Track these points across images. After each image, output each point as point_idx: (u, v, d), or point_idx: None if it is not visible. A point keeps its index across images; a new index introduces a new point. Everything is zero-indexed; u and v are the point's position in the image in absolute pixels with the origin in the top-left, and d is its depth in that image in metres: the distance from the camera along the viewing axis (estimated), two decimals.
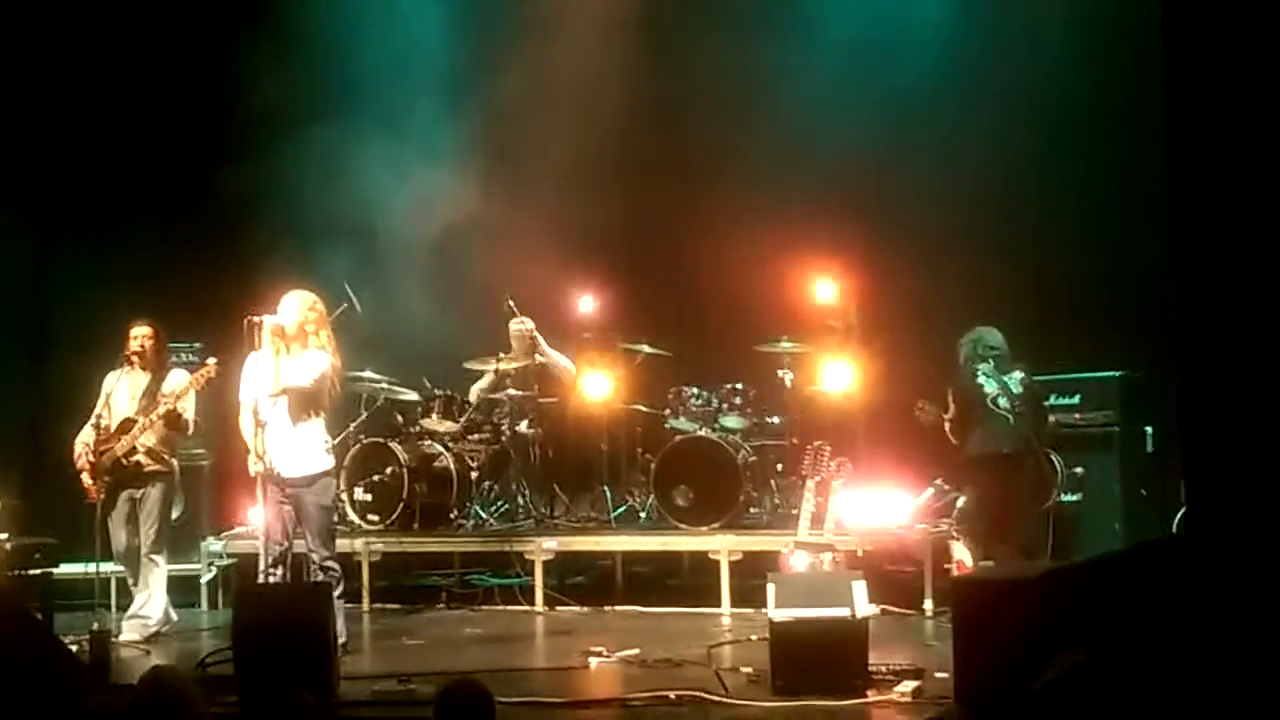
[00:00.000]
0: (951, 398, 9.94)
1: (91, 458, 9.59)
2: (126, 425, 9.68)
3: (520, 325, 11.97)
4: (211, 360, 9.66)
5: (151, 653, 9.35)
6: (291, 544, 8.87)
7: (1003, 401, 9.75)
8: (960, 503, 9.87)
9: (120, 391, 9.78)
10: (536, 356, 11.94)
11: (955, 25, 11.74)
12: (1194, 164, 5.58)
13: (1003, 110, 11.60)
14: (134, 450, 9.68)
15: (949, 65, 11.60)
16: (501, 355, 11.92)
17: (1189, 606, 5.64)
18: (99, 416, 9.63)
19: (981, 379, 9.80)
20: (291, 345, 8.92)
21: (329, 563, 8.94)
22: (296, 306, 8.99)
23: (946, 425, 9.97)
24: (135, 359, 9.78)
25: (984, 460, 9.78)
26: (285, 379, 8.81)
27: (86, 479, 9.62)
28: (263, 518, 8.86)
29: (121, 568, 9.97)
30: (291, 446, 8.86)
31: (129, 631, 9.66)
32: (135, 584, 9.90)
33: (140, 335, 9.84)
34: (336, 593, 8.79)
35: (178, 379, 9.87)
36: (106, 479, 9.64)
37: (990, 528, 9.70)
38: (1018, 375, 9.84)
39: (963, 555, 9.54)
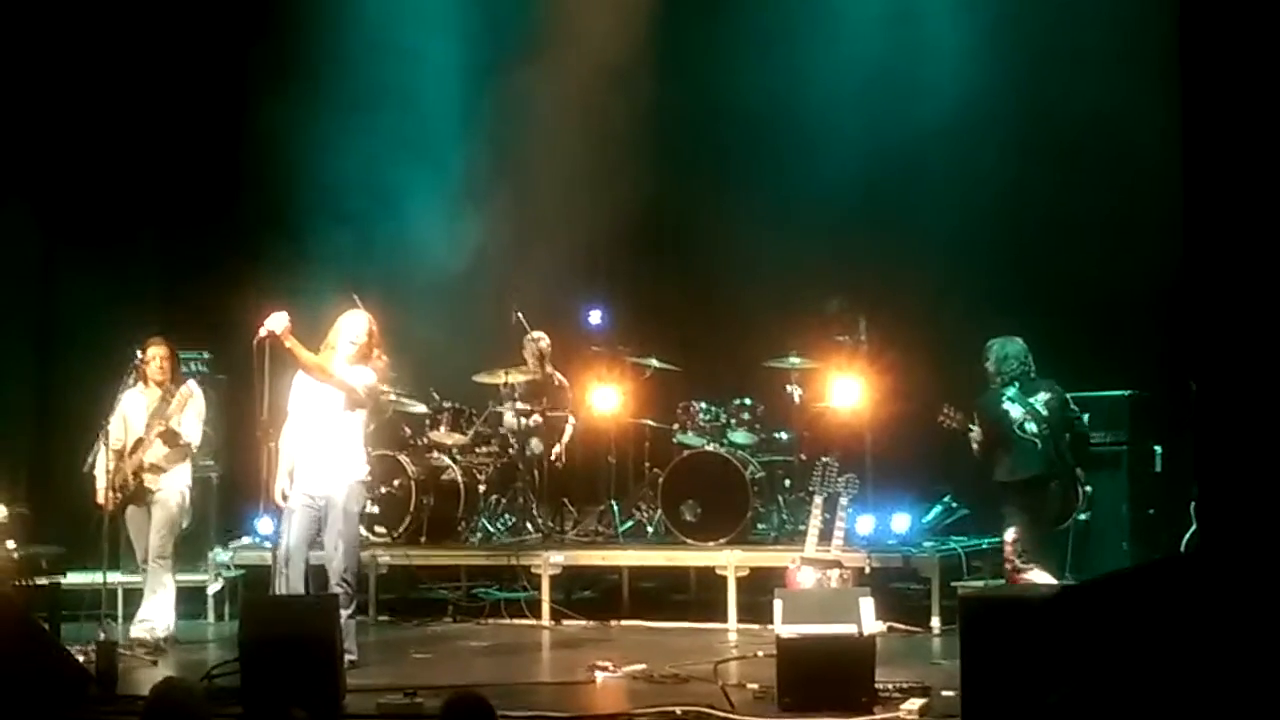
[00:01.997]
0: (978, 420, 9.87)
1: (107, 467, 9.62)
2: (138, 444, 9.72)
3: (537, 340, 11.96)
4: (191, 383, 9.79)
5: (159, 663, 9.34)
6: (308, 554, 8.82)
7: (1030, 426, 9.69)
8: (1010, 535, 9.75)
9: (134, 409, 9.82)
10: (547, 368, 11.96)
11: (972, 45, 11.70)
12: (1208, 185, 5.58)
13: (1016, 128, 11.59)
14: (141, 468, 9.70)
15: (963, 83, 11.59)
16: (509, 370, 11.92)
17: (1197, 626, 5.62)
18: (107, 428, 9.62)
19: (1007, 404, 9.73)
20: (351, 359, 8.93)
21: (347, 576, 8.93)
22: (361, 324, 9.01)
23: (974, 445, 9.90)
24: (152, 378, 9.83)
25: (1012, 486, 9.75)
26: (339, 373, 8.83)
27: (100, 484, 9.65)
28: (287, 520, 8.85)
29: (138, 578, 9.99)
30: (331, 452, 8.86)
31: (139, 632, 9.67)
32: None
33: (157, 355, 9.89)
34: (348, 611, 8.79)
35: (187, 391, 9.90)
36: (118, 495, 9.67)
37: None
38: (1043, 396, 9.74)
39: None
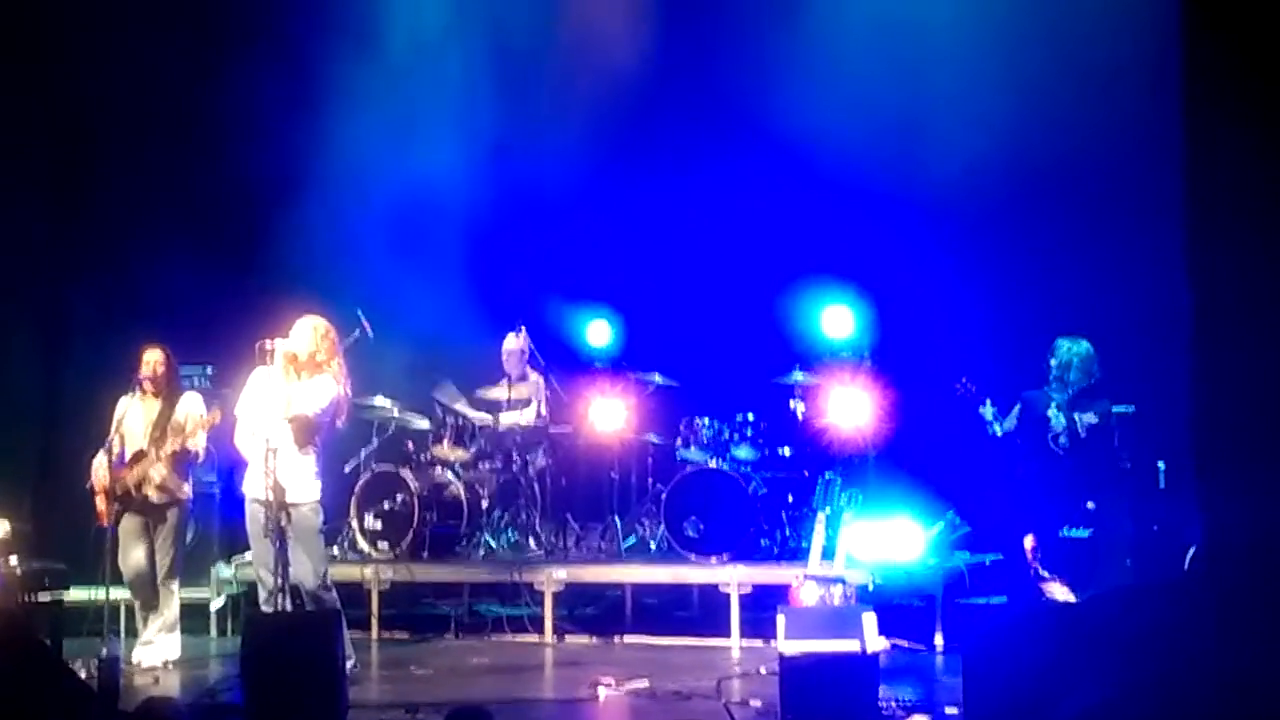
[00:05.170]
0: (1018, 413, 9.84)
1: (105, 481, 9.61)
2: (138, 456, 9.70)
3: (509, 341, 11.97)
4: (216, 410, 9.69)
5: (161, 680, 9.34)
6: (288, 575, 8.73)
7: (1064, 441, 9.68)
8: (1029, 541, 9.74)
9: (133, 418, 9.79)
10: (528, 370, 11.95)
11: (973, 46, 11.64)
12: (1211, 197, 5.59)
13: (1019, 144, 11.54)
14: (145, 481, 9.70)
15: (964, 89, 11.55)
16: (512, 385, 11.95)
17: (1200, 643, 5.62)
18: (111, 442, 9.64)
19: (1053, 414, 9.72)
20: (302, 372, 8.93)
21: (322, 593, 8.92)
22: (308, 333, 9.00)
23: (992, 423, 9.86)
24: (147, 384, 9.79)
25: (1024, 486, 9.75)
26: (296, 406, 8.82)
27: (100, 502, 9.63)
28: (257, 549, 8.87)
29: (130, 593, 9.98)
30: (290, 471, 8.83)
31: (148, 658, 9.67)
32: (144, 609, 9.90)
33: (152, 360, 9.86)
34: None
35: (190, 404, 9.89)
36: (118, 506, 9.66)
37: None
38: (1090, 419, 9.72)
39: (1065, 597, 9.45)
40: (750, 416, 11.54)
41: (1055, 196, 11.56)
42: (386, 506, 11.44)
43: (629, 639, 10.79)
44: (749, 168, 12.46)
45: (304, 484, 8.90)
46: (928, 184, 11.71)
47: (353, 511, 11.46)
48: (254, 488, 8.87)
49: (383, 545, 11.43)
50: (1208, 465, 5.77)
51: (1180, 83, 5.78)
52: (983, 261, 11.70)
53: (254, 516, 8.86)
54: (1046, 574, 9.61)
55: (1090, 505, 10.03)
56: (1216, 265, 5.67)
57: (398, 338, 11.79)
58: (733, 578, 10.53)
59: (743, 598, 10.44)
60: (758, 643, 9.97)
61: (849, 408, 11.17)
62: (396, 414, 11.80)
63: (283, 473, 8.74)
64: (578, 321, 12.82)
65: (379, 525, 11.43)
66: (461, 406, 11.86)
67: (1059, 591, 9.50)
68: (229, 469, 10.69)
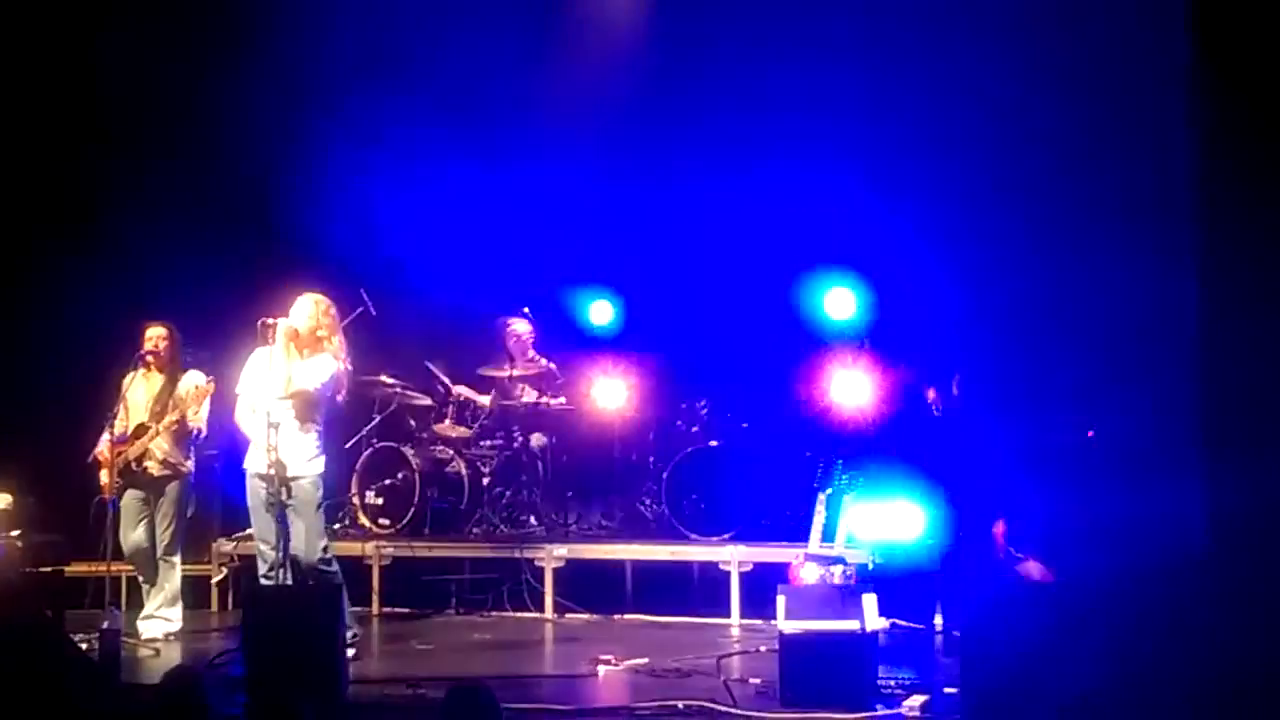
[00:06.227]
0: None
1: (108, 455, 9.63)
2: (140, 430, 9.71)
3: (516, 325, 11.95)
4: (210, 379, 9.68)
5: (161, 652, 9.37)
6: (288, 549, 8.75)
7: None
8: (999, 526, 9.76)
9: (136, 393, 9.81)
10: (529, 354, 11.93)
11: (974, 35, 11.59)
12: (1219, 188, 5.61)
13: (1019, 130, 11.53)
14: (145, 455, 9.71)
15: (967, 75, 11.51)
16: (514, 363, 11.96)
17: (1201, 624, 5.64)
18: (114, 416, 9.65)
19: None
20: (303, 348, 8.94)
21: (322, 567, 8.92)
22: (308, 310, 9.00)
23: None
24: (150, 359, 9.80)
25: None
26: (296, 382, 8.82)
27: (104, 476, 9.64)
28: (257, 523, 8.89)
29: (132, 567, 10.00)
30: (291, 446, 8.84)
31: (149, 630, 9.69)
32: (146, 583, 9.92)
33: (155, 336, 9.86)
34: None
35: (193, 380, 9.90)
36: (120, 480, 9.67)
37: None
38: None
39: (1042, 576, 9.47)
40: (753, 395, 11.53)
41: (1054, 183, 11.52)
42: (388, 483, 11.48)
43: (629, 616, 10.82)
44: (752, 150, 12.42)
45: (305, 459, 8.92)
46: (931, 167, 11.69)
47: (354, 487, 11.50)
48: (255, 463, 8.89)
49: (384, 521, 11.47)
50: (1214, 449, 5.80)
51: (1187, 77, 5.80)
52: (983, 246, 11.65)
53: (254, 491, 8.88)
54: (1019, 554, 9.63)
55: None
56: (1224, 255, 5.69)
57: (401, 315, 11.80)
58: (733, 556, 10.55)
59: (743, 576, 10.46)
60: (758, 621, 9.99)
61: (851, 389, 11.17)
62: (399, 391, 11.82)
63: (284, 448, 8.75)
64: (581, 301, 12.81)
65: (380, 501, 11.47)
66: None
67: (1035, 570, 9.51)
68: (230, 444, 10.72)
